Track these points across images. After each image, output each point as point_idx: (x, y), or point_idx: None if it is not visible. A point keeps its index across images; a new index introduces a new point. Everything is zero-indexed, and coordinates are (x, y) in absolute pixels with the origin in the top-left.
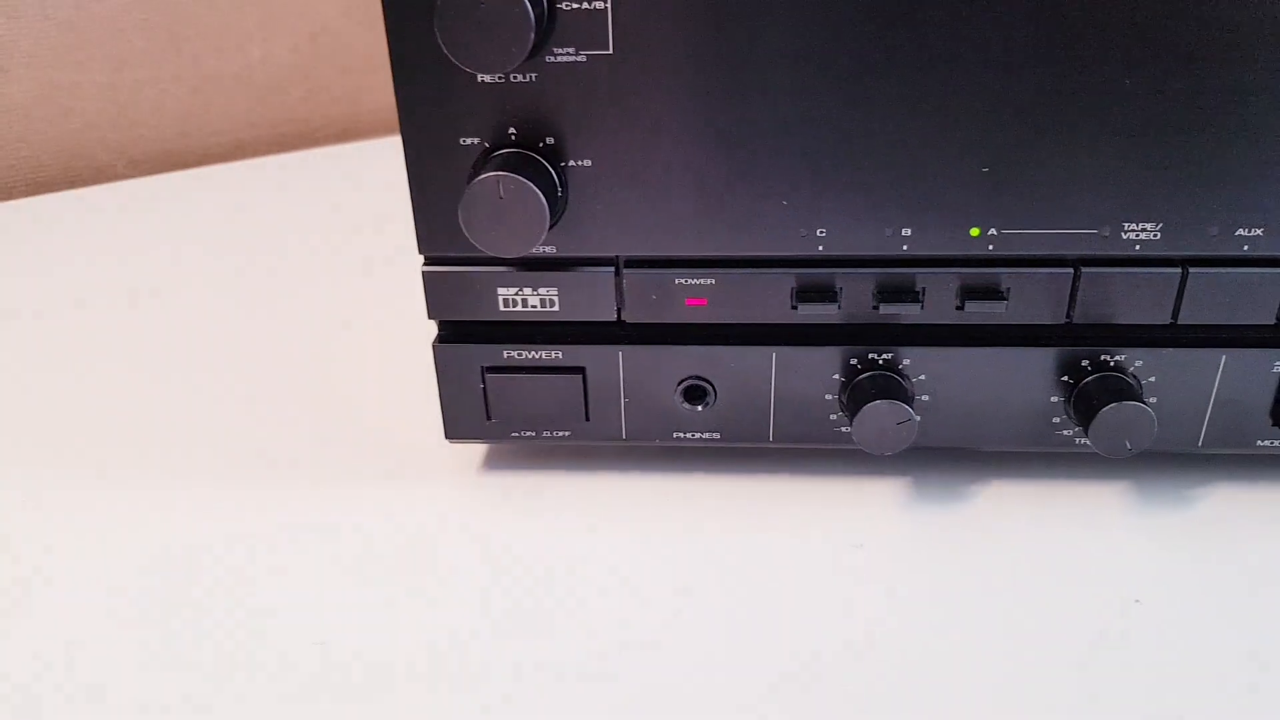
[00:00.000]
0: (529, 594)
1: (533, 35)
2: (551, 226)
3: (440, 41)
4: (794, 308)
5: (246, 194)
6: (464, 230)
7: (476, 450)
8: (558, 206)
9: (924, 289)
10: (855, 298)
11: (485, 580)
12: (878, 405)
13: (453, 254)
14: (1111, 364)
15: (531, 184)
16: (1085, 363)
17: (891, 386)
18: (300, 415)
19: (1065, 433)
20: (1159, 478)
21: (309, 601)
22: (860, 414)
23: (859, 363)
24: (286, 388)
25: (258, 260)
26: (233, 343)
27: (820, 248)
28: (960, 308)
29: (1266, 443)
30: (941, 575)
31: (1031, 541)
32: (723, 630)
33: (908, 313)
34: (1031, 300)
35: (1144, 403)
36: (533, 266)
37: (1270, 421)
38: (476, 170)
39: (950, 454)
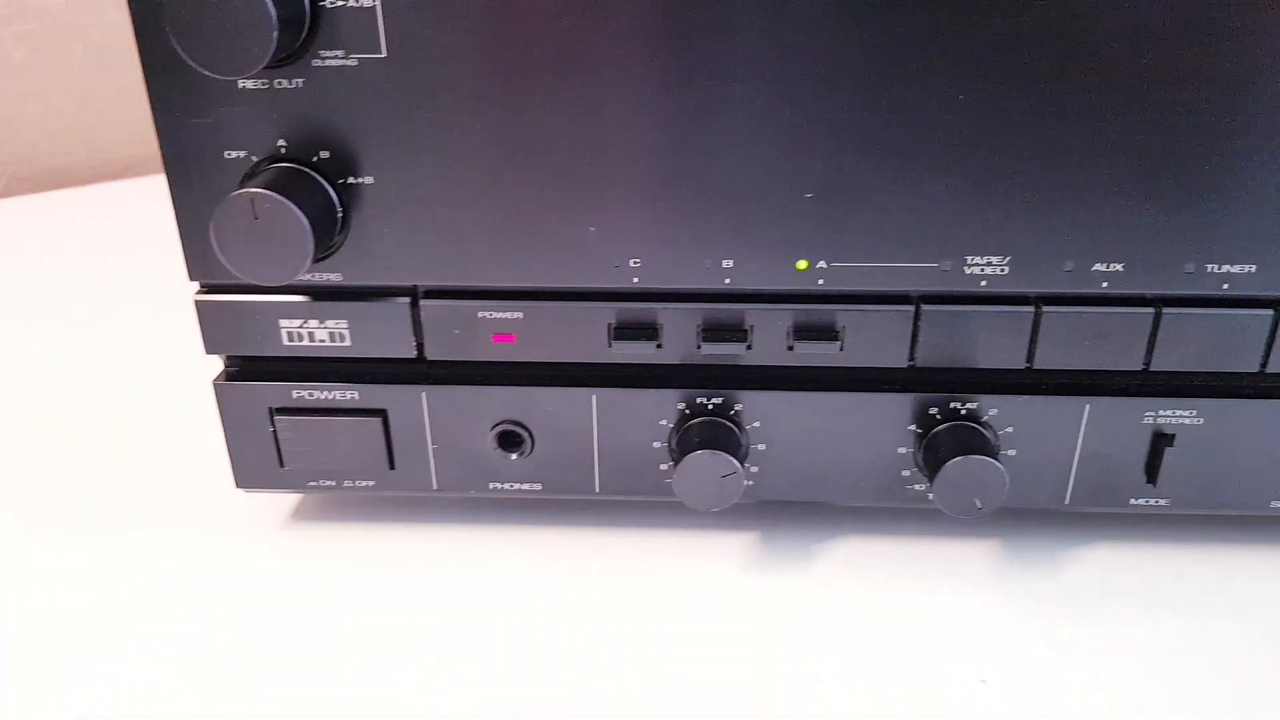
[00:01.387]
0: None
1: (275, 34)
2: (328, 252)
3: (174, 41)
4: (611, 345)
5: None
6: (217, 254)
7: (287, 500)
8: (335, 228)
9: (752, 327)
10: (678, 335)
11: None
12: (699, 456)
13: (229, 281)
14: (963, 412)
15: (290, 202)
16: (934, 411)
17: (720, 435)
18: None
19: (917, 487)
20: (1029, 537)
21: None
22: (680, 465)
23: (687, 408)
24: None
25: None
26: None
27: (635, 279)
28: (792, 348)
29: (1141, 501)
30: (766, 647)
31: (875, 607)
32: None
33: (732, 353)
34: (870, 340)
35: (995, 456)
36: (319, 296)
37: (1145, 478)
38: (241, 187)
39: (812, 509)
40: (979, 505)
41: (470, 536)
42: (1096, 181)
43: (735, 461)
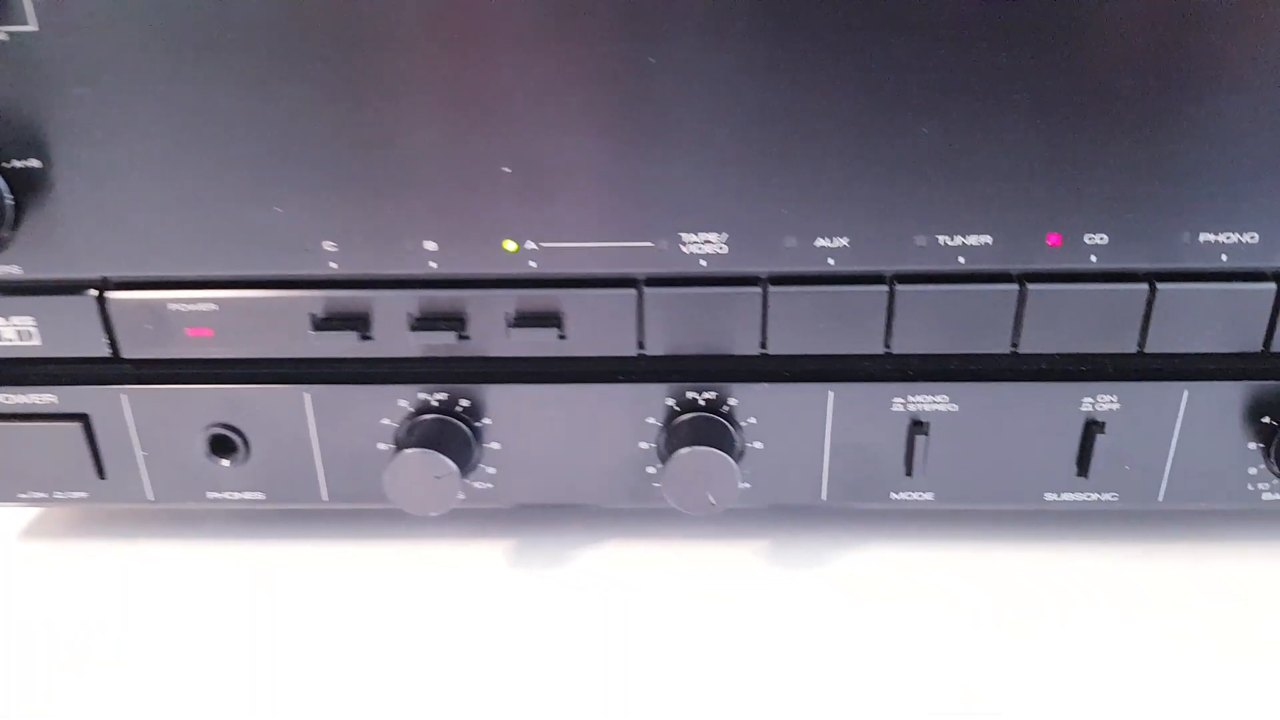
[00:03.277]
0: None
1: None
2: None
3: None
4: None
5: None
6: None
7: (22, 514)
8: (3, 217)
9: (464, 315)
10: (388, 325)
11: None
12: (408, 456)
13: None
14: (701, 403)
15: None
16: (671, 401)
17: (441, 433)
18: None
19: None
20: (801, 535)
21: None
22: (389, 466)
23: (411, 405)
24: None
25: None
26: None
27: (332, 265)
28: (510, 337)
29: (904, 495)
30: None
31: (621, 612)
32: None
33: (443, 342)
34: (594, 327)
35: (735, 449)
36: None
37: (905, 470)
38: None
39: (573, 510)
40: (712, 501)
41: (187, 552)
42: (815, 152)
43: (449, 462)
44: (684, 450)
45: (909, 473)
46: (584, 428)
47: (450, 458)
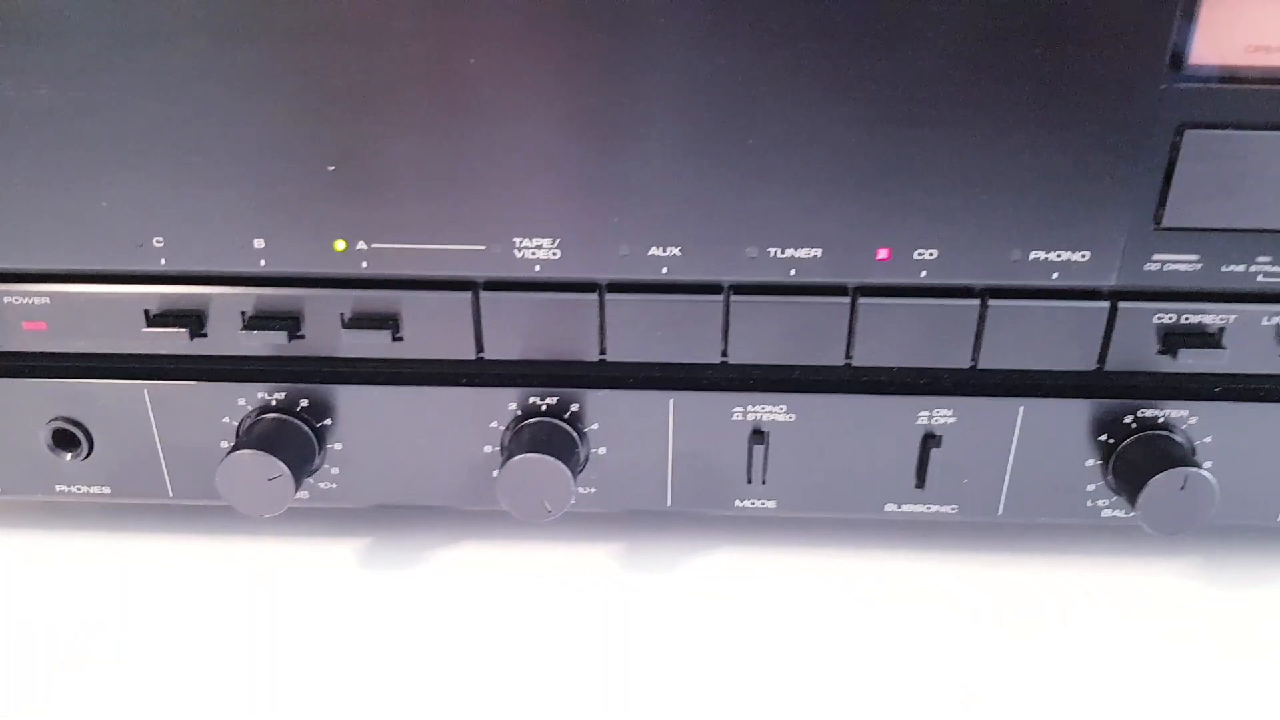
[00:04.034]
0: None
1: None
2: None
3: None
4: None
5: None
6: None
7: None
8: None
9: (297, 314)
10: (219, 323)
11: None
12: (239, 457)
13: None
14: (543, 408)
15: None
16: (513, 406)
17: (278, 433)
18: None
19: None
20: (654, 539)
21: None
22: (220, 466)
23: (247, 402)
24: None
25: None
26: None
27: (163, 261)
28: (343, 339)
29: (747, 503)
30: (351, 661)
31: (470, 616)
32: None
33: (275, 342)
34: (432, 330)
35: (573, 455)
36: None
37: (746, 477)
38: None
39: (427, 511)
40: (549, 509)
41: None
42: (647, 161)
43: (281, 463)
44: (515, 458)
45: (750, 480)
46: (428, 430)
47: (287, 458)
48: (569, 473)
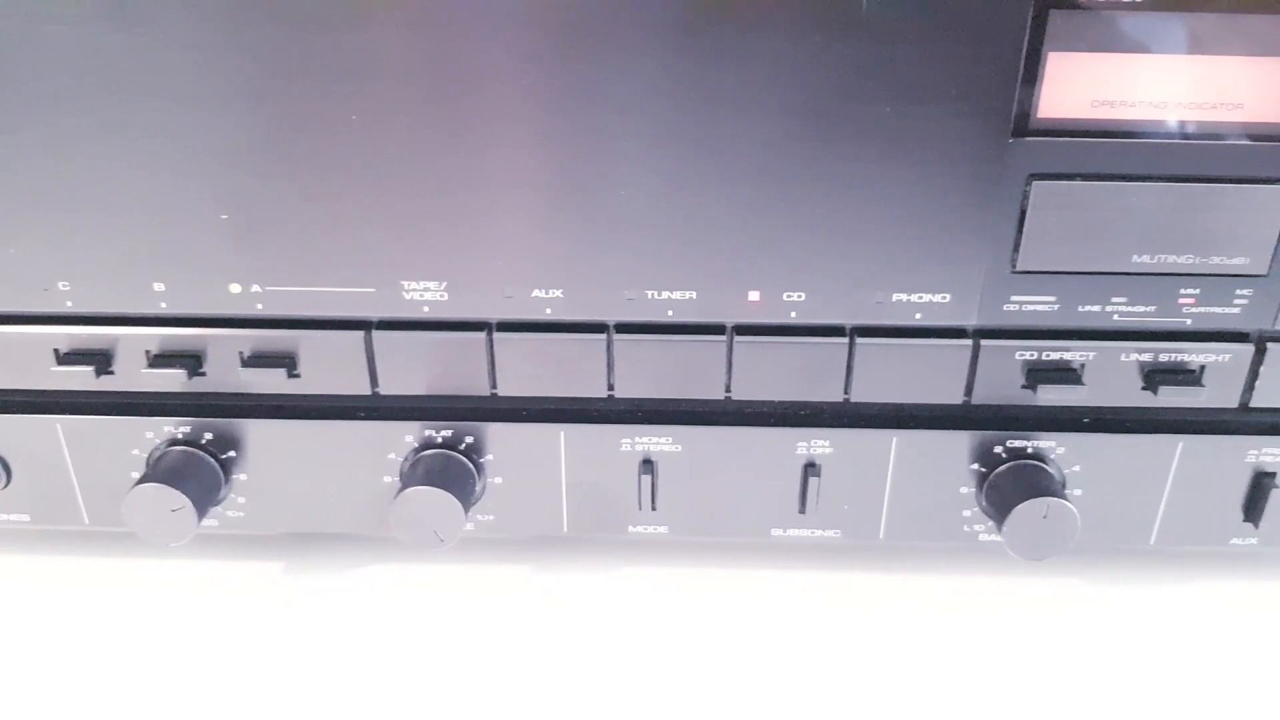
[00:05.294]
0: None
1: None
2: None
3: None
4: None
5: None
6: None
7: None
8: None
9: (198, 353)
10: (126, 361)
11: None
12: (142, 490)
13: None
14: (439, 440)
15: None
16: (410, 439)
17: (182, 466)
18: None
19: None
20: (565, 561)
21: None
22: (125, 499)
23: (155, 436)
24: None
25: None
26: None
27: (69, 303)
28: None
29: (640, 529)
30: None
31: (369, 630)
32: None
33: (178, 379)
34: (329, 368)
35: (466, 485)
36: None
37: (637, 505)
38: None
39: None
40: (440, 538)
41: None
42: (526, 208)
43: (182, 496)
44: (405, 490)
45: (641, 507)
46: (330, 462)
47: (191, 489)
48: (459, 503)
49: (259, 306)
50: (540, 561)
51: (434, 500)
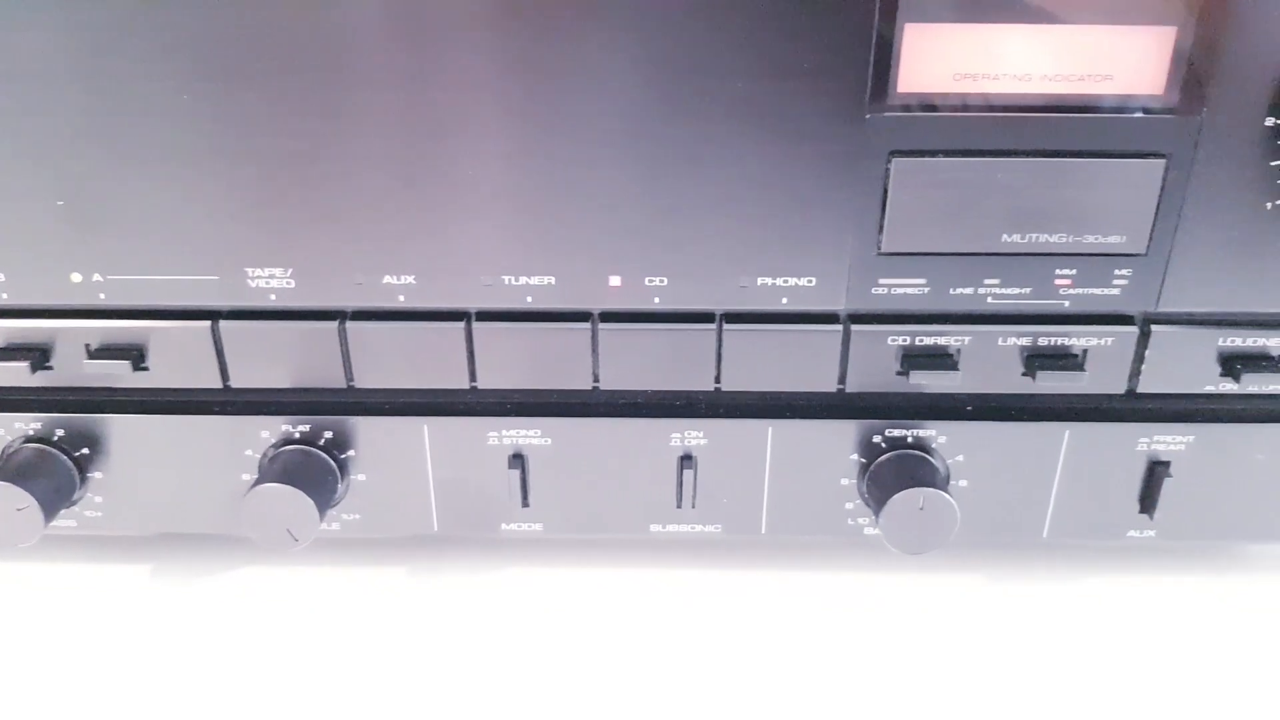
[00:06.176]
0: None
1: None
2: None
3: None
4: None
5: None
6: None
7: None
8: None
9: (43, 345)
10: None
11: None
12: None
13: None
14: (296, 436)
15: None
16: (265, 434)
17: (33, 464)
18: None
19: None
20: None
21: None
22: None
23: (6, 433)
24: None
25: None
26: None
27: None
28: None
29: (514, 525)
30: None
31: (253, 631)
32: None
33: (20, 373)
34: (176, 360)
35: (324, 482)
36: None
37: (521, 502)
38: None
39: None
40: (295, 538)
41: None
42: (374, 192)
43: (27, 494)
44: (255, 488)
45: (512, 503)
46: (187, 459)
47: (40, 488)
48: (311, 501)
49: (101, 296)
50: (417, 564)
51: (285, 498)
